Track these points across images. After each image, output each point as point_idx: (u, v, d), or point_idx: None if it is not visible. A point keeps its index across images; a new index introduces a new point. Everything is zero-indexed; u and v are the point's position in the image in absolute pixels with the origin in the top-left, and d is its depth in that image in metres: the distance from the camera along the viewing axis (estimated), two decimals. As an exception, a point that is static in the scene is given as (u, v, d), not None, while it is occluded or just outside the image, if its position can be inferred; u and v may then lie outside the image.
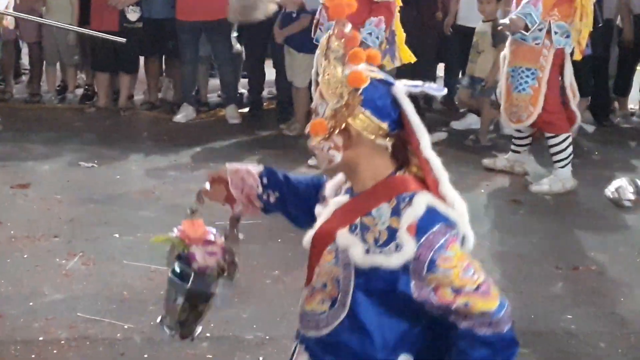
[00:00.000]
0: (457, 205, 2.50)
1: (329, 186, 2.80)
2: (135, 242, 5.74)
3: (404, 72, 9.05)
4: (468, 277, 2.38)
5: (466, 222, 2.53)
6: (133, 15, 8.36)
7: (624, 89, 9.49)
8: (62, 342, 4.78)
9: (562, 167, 7.36)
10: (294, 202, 2.95)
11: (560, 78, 7.16)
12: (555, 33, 6.87)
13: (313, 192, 2.89)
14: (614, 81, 9.26)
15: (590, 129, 9.18)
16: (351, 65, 2.45)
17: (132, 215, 6.36)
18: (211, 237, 2.83)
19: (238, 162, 7.53)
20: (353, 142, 2.46)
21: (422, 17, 8.87)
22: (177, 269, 2.84)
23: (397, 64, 7.64)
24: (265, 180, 2.89)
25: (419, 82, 2.48)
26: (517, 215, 6.95)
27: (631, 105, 9.85)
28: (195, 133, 8.58)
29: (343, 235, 2.54)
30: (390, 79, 2.51)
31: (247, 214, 2.95)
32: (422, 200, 2.44)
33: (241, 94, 9.18)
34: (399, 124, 2.49)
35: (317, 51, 2.64)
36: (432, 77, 9.56)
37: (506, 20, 6.96)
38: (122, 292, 5.22)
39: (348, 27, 2.47)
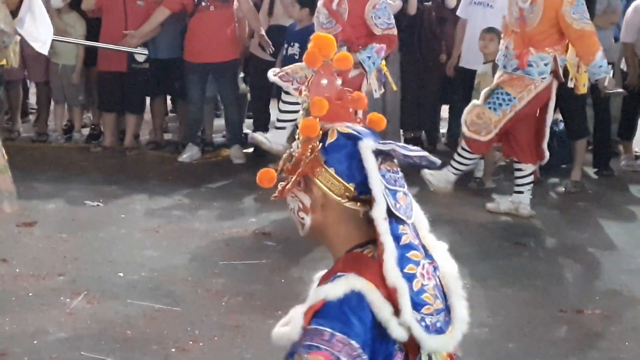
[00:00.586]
0: (398, 290, 2.19)
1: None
2: (139, 281, 5.76)
3: (409, 113, 9.14)
4: None
5: (405, 307, 2.16)
6: (141, 56, 8.38)
7: (629, 133, 9.45)
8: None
9: (521, 192, 7.47)
10: None
11: (541, 114, 7.28)
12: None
13: None
14: (618, 125, 9.23)
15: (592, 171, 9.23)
16: (315, 114, 2.25)
17: (137, 254, 6.36)
18: None
19: (240, 202, 7.64)
20: (320, 204, 2.25)
21: (426, 59, 8.90)
22: None
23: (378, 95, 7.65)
24: None
25: (390, 142, 2.24)
26: (521, 257, 6.92)
27: (636, 148, 9.84)
28: (200, 173, 8.61)
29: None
30: (361, 134, 2.27)
31: None
32: (344, 286, 2.20)
33: (246, 134, 9.17)
34: (364, 188, 2.24)
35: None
36: (436, 119, 9.58)
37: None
38: (125, 331, 5.22)
39: (324, 81, 2.30)
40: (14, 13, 4.85)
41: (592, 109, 9.14)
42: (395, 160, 2.27)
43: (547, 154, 7.45)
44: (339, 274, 2.18)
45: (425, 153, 2.33)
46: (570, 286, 6.40)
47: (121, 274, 5.79)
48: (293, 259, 6.51)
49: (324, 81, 2.28)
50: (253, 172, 8.64)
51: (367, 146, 2.19)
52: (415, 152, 2.26)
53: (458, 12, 8.26)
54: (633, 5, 8.82)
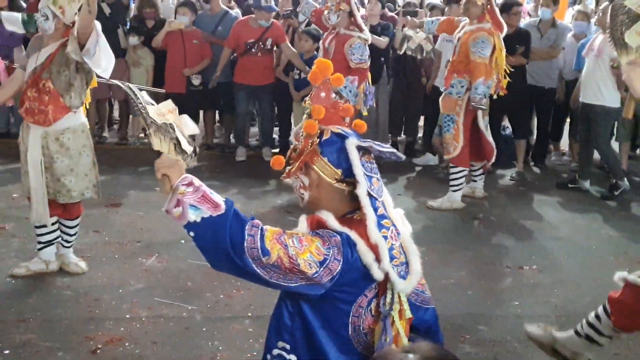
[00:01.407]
0: (380, 246, 2.26)
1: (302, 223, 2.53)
2: (196, 247, 5.76)
3: (396, 122, 9.16)
4: (294, 249, 2.17)
5: (385, 258, 2.27)
6: (196, 81, 8.46)
7: (558, 135, 9.45)
8: (143, 319, 4.84)
9: (454, 191, 7.34)
10: None
11: (475, 122, 7.16)
12: (475, 89, 6.87)
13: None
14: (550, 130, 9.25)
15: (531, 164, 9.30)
16: (315, 119, 2.35)
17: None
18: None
19: (268, 186, 7.66)
20: (316, 184, 2.34)
21: (410, 82, 8.90)
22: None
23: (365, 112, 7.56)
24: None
25: (369, 140, 2.31)
26: (477, 228, 7.02)
27: (563, 147, 9.88)
28: (239, 167, 8.66)
29: None
30: (348, 134, 2.37)
31: None
32: (339, 226, 2.29)
33: (274, 138, 9.23)
34: (350, 173, 2.33)
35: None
36: (416, 127, 9.58)
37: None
38: (186, 282, 5.32)
39: (323, 94, 2.39)
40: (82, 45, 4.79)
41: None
42: (372, 155, 2.39)
43: (492, 154, 7.35)
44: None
45: (394, 150, 2.47)
46: (513, 249, 6.41)
47: (183, 241, 5.80)
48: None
49: (322, 94, 2.39)
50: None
51: (352, 143, 2.32)
52: (386, 148, 2.39)
53: (436, 46, 8.26)
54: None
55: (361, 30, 7.15)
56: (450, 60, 7.15)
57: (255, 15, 8.20)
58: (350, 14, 7.01)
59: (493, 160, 7.45)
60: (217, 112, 9.56)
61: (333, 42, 7.15)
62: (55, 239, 5.39)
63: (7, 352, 4.42)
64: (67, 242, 5.48)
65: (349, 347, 2.35)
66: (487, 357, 4.63)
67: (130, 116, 9.12)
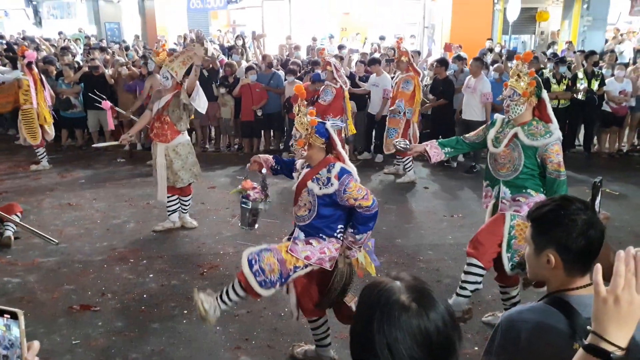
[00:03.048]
0: (351, 167, 2.89)
1: (298, 164, 3.11)
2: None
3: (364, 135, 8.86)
4: (359, 193, 2.75)
5: (353, 170, 2.87)
6: (259, 112, 8.40)
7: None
8: (230, 253, 4.85)
9: (409, 171, 7.12)
10: (286, 170, 3.22)
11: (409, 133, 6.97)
12: (407, 113, 6.81)
13: (292, 166, 3.18)
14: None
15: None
16: (309, 117, 2.84)
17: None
18: (255, 185, 3.19)
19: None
20: (312, 147, 2.86)
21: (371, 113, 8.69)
22: (244, 200, 3.19)
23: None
24: (274, 161, 3.22)
25: (337, 123, 2.93)
26: (426, 194, 6.86)
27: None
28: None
29: (310, 183, 2.86)
30: (324, 122, 2.93)
31: (268, 174, 3.19)
32: (338, 165, 2.84)
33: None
34: (328, 139, 2.87)
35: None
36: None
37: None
38: (256, 231, 5.25)
39: (305, 103, 2.89)
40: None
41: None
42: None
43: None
44: (331, 163, 2.85)
45: (342, 124, 3.24)
46: (446, 205, 6.32)
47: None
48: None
49: (303, 105, 2.90)
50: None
51: (329, 126, 2.90)
52: (340, 124, 3.47)
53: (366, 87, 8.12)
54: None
55: (337, 82, 6.76)
56: (393, 95, 7.06)
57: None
58: (332, 73, 6.79)
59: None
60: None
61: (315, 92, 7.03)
62: (177, 208, 5.44)
63: (151, 275, 4.48)
64: (184, 209, 5.55)
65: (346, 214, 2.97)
66: (432, 269, 4.59)
67: (221, 135, 9.05)
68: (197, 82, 5.04)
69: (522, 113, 3.26)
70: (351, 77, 8.40)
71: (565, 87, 7.90)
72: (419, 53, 9.72)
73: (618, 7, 16.58)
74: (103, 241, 5.18)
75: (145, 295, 4.13)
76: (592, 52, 8.77)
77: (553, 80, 7.93)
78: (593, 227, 1.46)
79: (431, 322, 1.00)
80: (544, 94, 3.29)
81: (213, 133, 9.29)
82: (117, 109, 7.32)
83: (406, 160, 7.10)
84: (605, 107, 8.06)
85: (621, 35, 14.68)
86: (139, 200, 6.39)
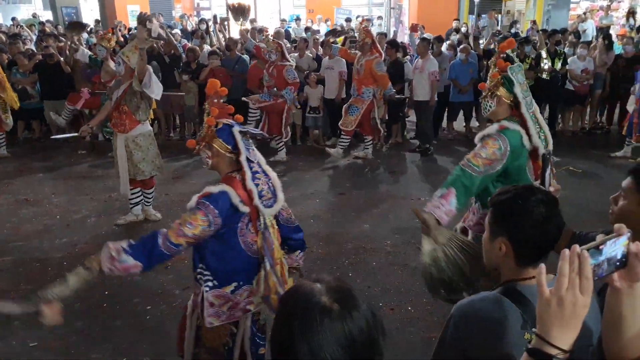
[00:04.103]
0: (254, 194, 2.28)
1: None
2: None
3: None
4: (187, 228, 2.17)
5: (255, 197, 2.28)
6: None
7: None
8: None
9: (367, 149, 7.39)
10: None
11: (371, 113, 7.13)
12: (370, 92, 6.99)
13: None
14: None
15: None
16: (212, 116, 2.34)
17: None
18: None
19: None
20: (216, 155, 2.34)
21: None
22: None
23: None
24: None
25: (245, 127, 2.39)
26: (393, 176, 6.86)
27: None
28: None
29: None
30: (233, 124, 2.36)
31: None
32: (218, 188, 2.27)
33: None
34: (236, 147, 2.33)
35: None
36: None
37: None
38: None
39: (215, 100, 2.38)
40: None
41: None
42: (249, 135, 2.41)
43: (382, 131, 7.48)
44: (219, 183, 2.31)
45: (261, 132, 2.72)
46: (387, 189, 6.35)
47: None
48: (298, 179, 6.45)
49: (215, 100, 2.39)
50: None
51: (236, 130, 2.35)
52: (257, 131, 2.54)
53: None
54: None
55: (289, 61, 7.19)
56: (357, 78, 7.08)
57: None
58: (282, 53, 7.08)
59: (378, 137, 7.47)
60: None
61: (275, 70, 7.12)
62: (140, 200, 5.33)
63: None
64: (147, 202, 5.44)
65: (244, 256, 2.37)
66: (399, 252, 4.61)
67: (185, 122, 8.83)
68: (149, 68, 4.81)
69: (494, 110, 2.89)
70: (317, 59, 8.32)
71: (528, 66, 7.98)
72: (385, 35, 9.65)
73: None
74: (63, 237, 5.02)
75: (107, 292, 4.01)
76: (555, 32, 8.86)
77: (517, 60, 7.99)
78: (549, 222, 1.46)
79: (355, 323, 0.97)
80: (517, 90, 2.84)
81: (178, 121, 9.09)
82: (96, 92, 7.15)
83: (367, 139, 7.31)
84: (568, 86, 8.19)
85: (584, 13, 14.92)
86: (100, 193, 6.20)
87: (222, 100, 2.43)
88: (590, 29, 12.86)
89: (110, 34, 6.41)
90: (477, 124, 8.57)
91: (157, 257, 2.20)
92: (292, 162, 7.36)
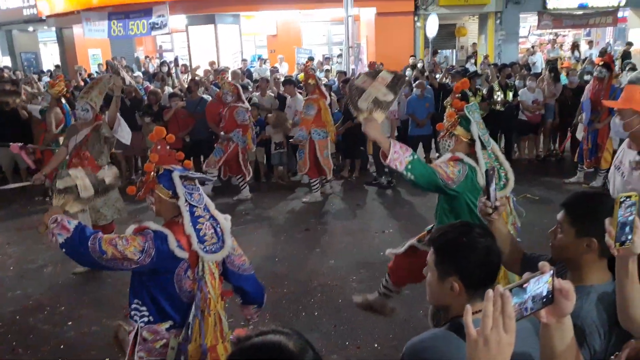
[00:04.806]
0: (191, 235, 2.30)
1: None
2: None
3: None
4: (123, 244, 2.18)
5: (194, 242, 2.29)
6: (187, 138, 8.13)
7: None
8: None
9: (315, 192, 7.16)
10: None
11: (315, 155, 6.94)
12: (314, 134, 6.88)
13: None
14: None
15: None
16: (152, 161, 2.37)
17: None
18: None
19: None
20: (158, 201, 2.36)
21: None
22: None
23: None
24: None
25: (188, 172, 2.39)
26: (358, 210, 6.89)
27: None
28: (216, 189, 8.32)
29: None
30: (175, 169, 2.37)
31: None
32: (159, 227, 2.30)
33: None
34: (176, 192, 2.34)
35: None
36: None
37: None
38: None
39: (159, 147, 2.38)
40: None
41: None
42: (194, 179, 2.42)
43: (328, 172, 7.13)
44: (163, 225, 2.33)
45: (202, 175, 2.60)
46: (371, 222, 6.38)
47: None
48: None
49: (159, 147, 2.40)
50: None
51: (176, 174, 2.35)
52: (197, 175, 2.48)
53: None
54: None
55: (244, 103, 7.16)
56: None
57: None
58: (238, 94, 7.09)
59: (329, 176, 7.26)
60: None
61: (228, 111, 7.11)
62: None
63: (70, 323, 4.20)
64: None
65: (178, 300, 2.37)
66: (365, 289, 4.55)
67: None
68: (118, 114, 4.94)
69: (453, 149, 2.95)
70: (279, 97, 8.43)
71: (480, 99, 8.28)
72: (345, 73, 9.88)
73: (528, 22, 17.76)
74: (16, 289, 4.80)
75: (62, 346, 3.84)
76: (505, 65, 9.27)
77: (470, 93, 8.28)
78: (492, 252, 1.52)
79: None
80: (473, 128, 2.89)
81: (140, 163, 8.96)
82: (30, 146, 6.89)
83: (314, 181, 7.16)
84: (522, 116, 8.51)
85: (532, 47, 15.70)
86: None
87: (166, 148, 2.43)
88: (539, 61, 13.52)
89: (59, 80, 6.44)
90: (437, 154, 8.76)
91: (80, 245, 2.20)
92: (256, 200, 7.32)
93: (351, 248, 5.52)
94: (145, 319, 2.34)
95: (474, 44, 15.57)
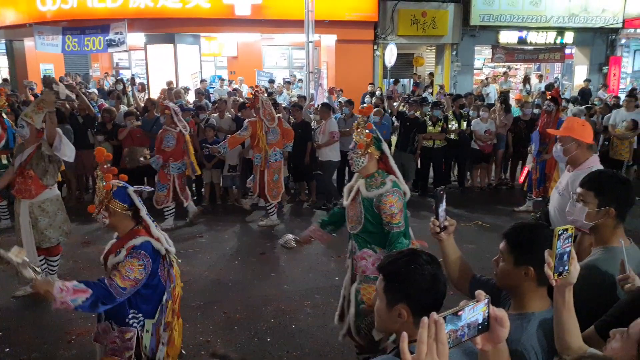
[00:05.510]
0: (162, 239, 2.69)
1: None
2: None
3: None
4: (128, 272, 2.50)
5: (164, 242, 2.69)
6: (142, 158, 7.98)
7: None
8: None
9: (272, 215, 7.03)
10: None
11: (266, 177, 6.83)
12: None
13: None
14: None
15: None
16: (104, 181, 2.63)
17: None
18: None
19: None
20: (113, 214, 2.64)
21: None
22: None
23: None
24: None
25: (139, 187, 2.77)
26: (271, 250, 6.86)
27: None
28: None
29: (111, 258, 2.61)
30: (127, 185, 2.69)
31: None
32: (140, 240, 2.60)
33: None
34: (132, 204, 2.68)
35: None
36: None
37: None
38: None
39: (106, 166, 2.66)
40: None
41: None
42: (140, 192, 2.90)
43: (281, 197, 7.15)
44: (135, 236, 2.63)
45: (147, 187, 3.30)
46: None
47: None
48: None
49: (106, 166, 2.68)
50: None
51: (130, 190, 2.71)
52: (146, 188, 3.23)
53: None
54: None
55: (177, 127, 6.82)
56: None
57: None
58: (171, 117, 6.79)
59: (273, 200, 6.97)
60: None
61: (160, 135, 6.91)
62: (44, 269, 4.94)
63: (7, 350, 4.01)
64: (52, 270, 5.08)
65: (162, 289, 2.74)
66: (319, 314, 4.55)
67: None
68: (59, 130, 4.68)
69: (365, 165, 3.22)
70: (236, 120, 8.41)
71: (440, 129, 8.54)
72: (304, 97, 10.00)
73: (483, 54, 18.56)
74: (-50, 315, 4.55)
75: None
76: (459, 96, 9.63)
77: (429, 123, 8.55)
78: (439, 279, 1.58)
79: None
80: (384, 147, 3.28)
81: (91, 182, 8.71)
82: None
83: (269, 205, 7.03)
84: (474, 146, 8.82)
85: (486, 79, 16.38)
86: (-2, 262, 5.72)
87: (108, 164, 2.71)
88: (492, 92, 14.10)
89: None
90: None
91: (103, 295, 2.44)
92: (211, 222, 7.23)
93: (306, 272, 5.52)
94: (142, 322, 2.69)
95: (431, 73, 16.10)
